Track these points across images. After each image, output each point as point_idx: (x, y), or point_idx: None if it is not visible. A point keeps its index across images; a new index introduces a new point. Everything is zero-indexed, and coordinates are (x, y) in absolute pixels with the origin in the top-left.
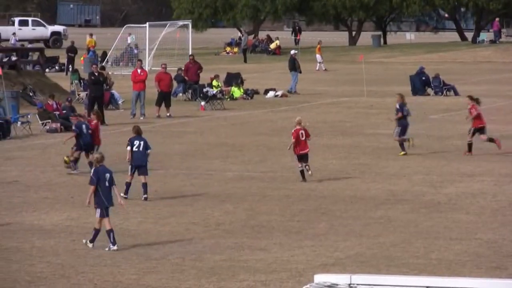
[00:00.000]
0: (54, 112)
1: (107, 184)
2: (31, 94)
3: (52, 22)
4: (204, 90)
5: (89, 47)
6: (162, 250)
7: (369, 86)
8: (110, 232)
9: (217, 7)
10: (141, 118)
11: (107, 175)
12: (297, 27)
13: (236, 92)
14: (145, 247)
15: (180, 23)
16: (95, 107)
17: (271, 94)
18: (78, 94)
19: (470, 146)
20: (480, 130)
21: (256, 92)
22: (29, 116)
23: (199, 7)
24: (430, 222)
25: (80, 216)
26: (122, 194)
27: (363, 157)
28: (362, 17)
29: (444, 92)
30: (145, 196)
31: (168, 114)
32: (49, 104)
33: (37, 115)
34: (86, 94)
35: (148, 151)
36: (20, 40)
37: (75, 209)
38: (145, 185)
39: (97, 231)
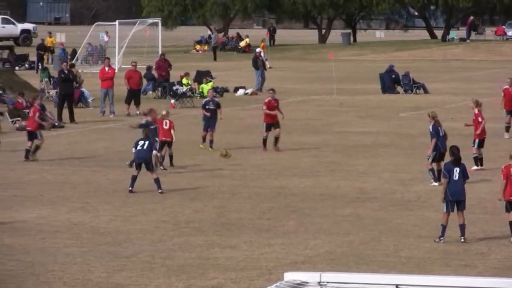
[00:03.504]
0: (24, 110)
1: None
2: (0, 92)
3: (22, 20)
4: (174, 88)
5: (48, 46)
6: (132, 248)
7: (339, 84)
8: None
9: (186, 5)
10: (111, 116)
11: None
12: (271, 28)
13: (206, 89)
14: (115, 245)
15: (150, 21)
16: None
17: (240, 92)
18: (48, 92)
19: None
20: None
21: (225, 90)
22: None
23: (168, 5)
24: (400, 220)
25: (50, 214)
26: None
27: (332, 155)
28: (332, 15)
29: (414, 90)
30: (160, 191)
31: (137, 112)
32: (18, 102)
33: (7, 113)
34: (56, 92)
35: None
36: None
37: (45, 207)
38: (157, 180)
39: None
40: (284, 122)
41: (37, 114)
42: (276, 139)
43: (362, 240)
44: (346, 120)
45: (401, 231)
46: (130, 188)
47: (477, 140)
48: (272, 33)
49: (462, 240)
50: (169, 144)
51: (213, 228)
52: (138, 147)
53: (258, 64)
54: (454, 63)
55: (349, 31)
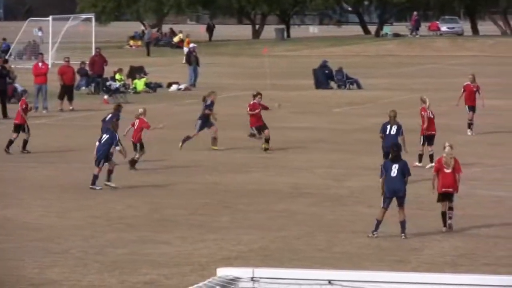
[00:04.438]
0: None
1: None
2: None
3: None
4: (107, 83)
5: None
6: (65, 244)
7: (273, 79)
8: None
9: (120, 0)
10: (44, 111)
11: None
12: (210, 24)
13: (139, 85)
14: (47, 241)
15: (84, 16)
16: None
17: (174, 87)
18: None
19: None
20: None
21: (159, 85)
22: None
23: (102, 1)
24: (334, 216)
25: None
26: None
27: (268, 151)
28: (266, 10)
29: (347, 85)
30: (106, 183)
31: (71, 108)
32: None
33: None
34: None
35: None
36: None
37: None
38: (110, 171)
39: None
40: (219, 118)
41: (23, 107)
42: (266, 140)
43: (296, 236)
44: (281, 115)
45: (334, 227)
46: (93, 186)
47: (422, 137)
48: (211, 29)
49: (403, 236)
50: (134, 146)
51: (146, 224)
52: (100, 142)
53: (192, 60)
54: (388, 59)
55: (282, 26)
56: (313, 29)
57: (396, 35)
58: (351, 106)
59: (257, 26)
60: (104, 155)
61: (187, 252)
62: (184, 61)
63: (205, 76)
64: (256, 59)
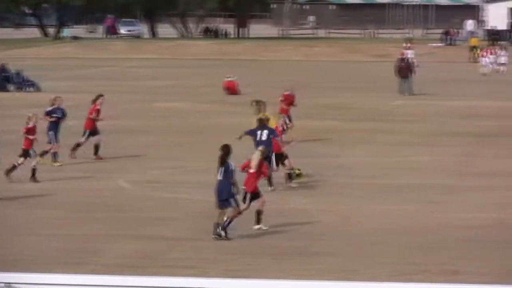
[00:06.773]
0: None
1: None
2: None
3: None
4: None
5: None
6: None
7: None
8: None
9: None
10: None
11: None
12: None
13: None
14: None
15: None
16: None
17: None
18: None
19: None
20: None
21: None
22: None
23: None
24: (19, 218)
25: None
26: None
27: None
28: None
29: (26, 88)
30: None
31: None
32: None
33: None
34: None
35: None
36: None
37: None
38: None
39: None
40: None
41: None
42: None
43: None
44: None
45: (21, 229)
46: None
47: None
48: None
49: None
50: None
51: None
52: None
53: None
54: (66, 61)
55: None
56: None
57: (75, 38)
58: (31, 109)
59: None
60: None
61: None
62: None
63: None
64: None
